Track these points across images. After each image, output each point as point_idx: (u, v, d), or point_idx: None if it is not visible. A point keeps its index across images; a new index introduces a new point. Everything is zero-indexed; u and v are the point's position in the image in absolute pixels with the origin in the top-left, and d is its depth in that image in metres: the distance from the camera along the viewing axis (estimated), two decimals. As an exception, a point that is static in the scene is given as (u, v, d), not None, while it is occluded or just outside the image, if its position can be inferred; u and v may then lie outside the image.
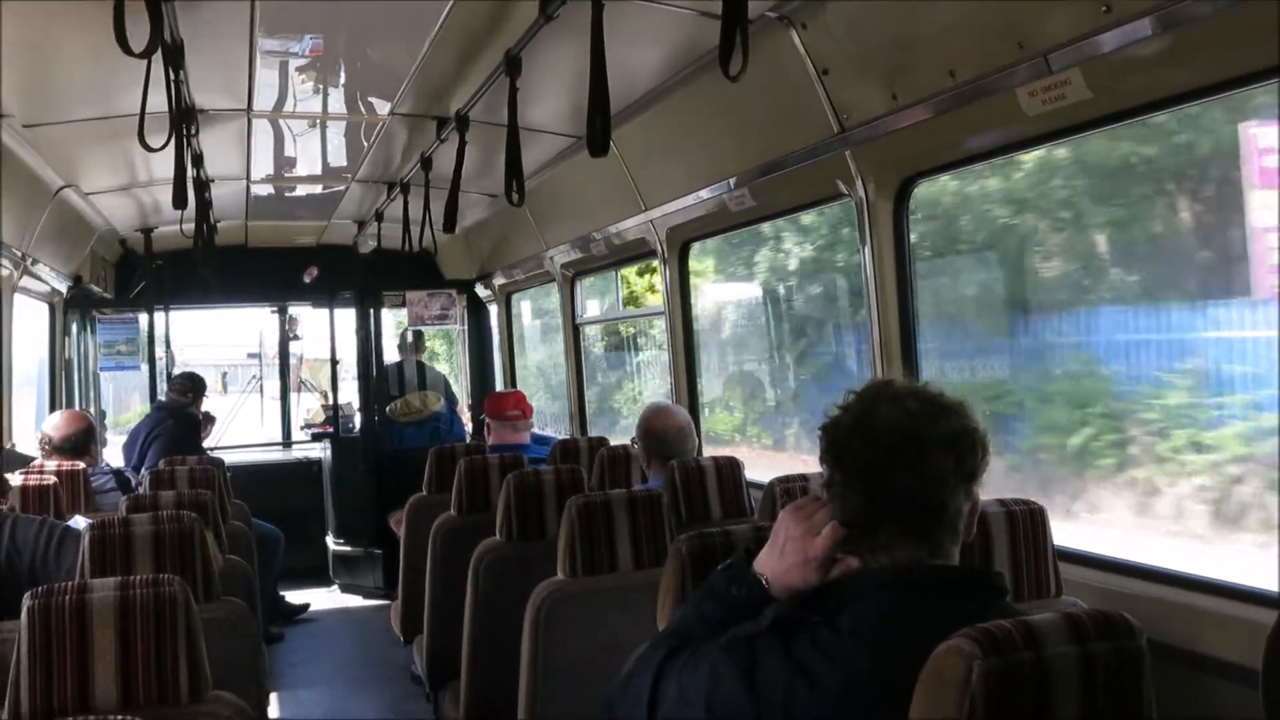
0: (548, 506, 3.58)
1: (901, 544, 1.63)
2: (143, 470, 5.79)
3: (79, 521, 3.36)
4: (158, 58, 2.94)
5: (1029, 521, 2.50)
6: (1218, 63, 2.22)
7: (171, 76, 3.29)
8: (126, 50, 2.22)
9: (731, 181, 4.10)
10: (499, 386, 8.48)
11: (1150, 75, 2.36)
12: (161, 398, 7.36)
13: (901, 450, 1.62)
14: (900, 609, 1.57)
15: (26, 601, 1.97)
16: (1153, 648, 1.49)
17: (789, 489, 3.16)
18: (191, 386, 6.99)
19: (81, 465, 4.74)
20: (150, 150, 3.00)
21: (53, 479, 4.32)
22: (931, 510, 1.63)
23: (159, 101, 3.22)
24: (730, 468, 3.78)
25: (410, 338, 8.37)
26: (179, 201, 3.66)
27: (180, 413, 6.78)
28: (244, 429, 10.00)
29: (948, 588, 1.60)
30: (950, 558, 1.65)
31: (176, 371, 7.77)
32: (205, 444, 7.07)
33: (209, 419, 7.28)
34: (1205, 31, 2.15)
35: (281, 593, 7.30)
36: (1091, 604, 2.56)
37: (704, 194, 4.35)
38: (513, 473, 3.64)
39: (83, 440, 5.09)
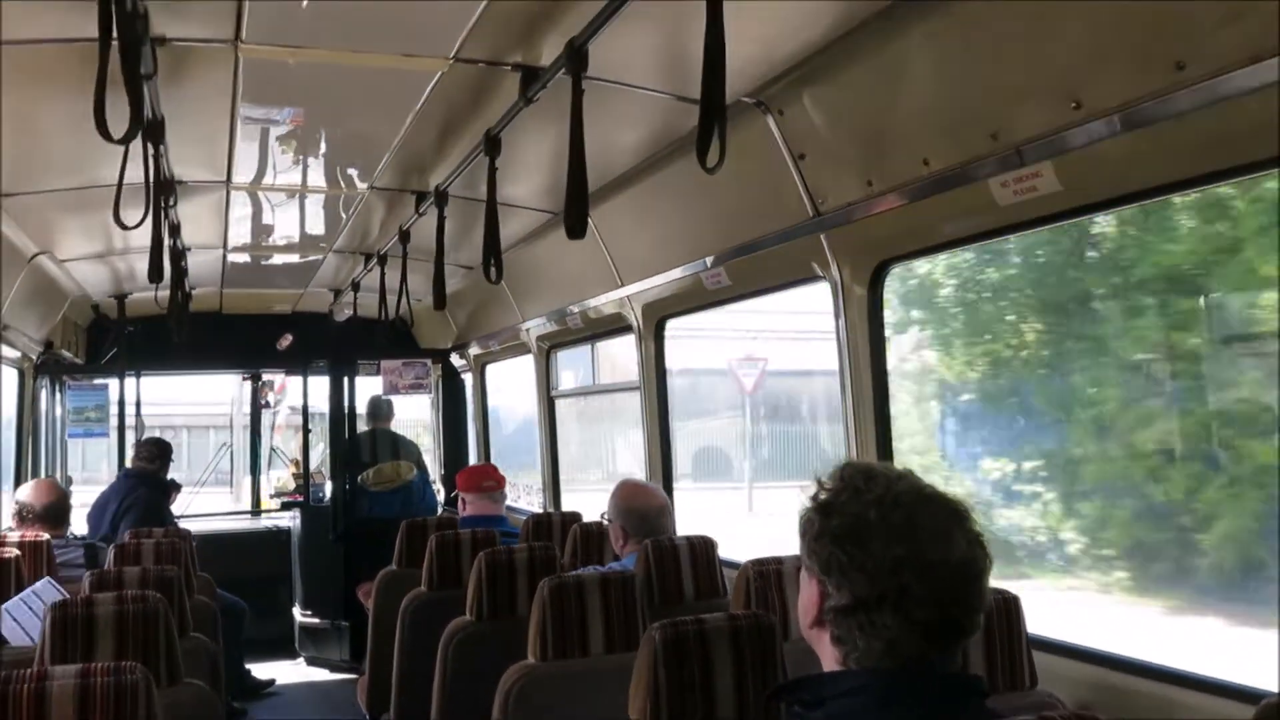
0: (519, 584, 3.56)
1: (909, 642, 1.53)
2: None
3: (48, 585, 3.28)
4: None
5: (1003, 610, 2.49)
6: (1183, 161, 2.27)
7: (151, 152, 3.31)
8: (107, 137, 2.22)
9: (708, 260, 4.13)
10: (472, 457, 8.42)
11: (1119, 170, 2.41)
12: (128, 464, 7.23)
13: (965, 587, 1.54)
14: (879, 714, 1.54)
15: None
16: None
17: (763, 571, 3.13)
18: (159, 453, 6.85)
19: (46, 536, 4.65)
20: (125, 229, 3.00)
21: (14, 551, 4.22)
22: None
23: (138, 173, 3.23)
24: (704, 547, 3.74)
25: (380, 405, 8.30)
26: (155, 275, 3.66)
27: (152, 480, 6.66)
28: (212, 498, 9.83)
29: (929, 693, 1.56)
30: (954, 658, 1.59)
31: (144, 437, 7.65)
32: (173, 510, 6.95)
33: (175, 486, 7.15)
34: (1171, 131, 2.20)
35: (247, 666, 7.14)
36: (1066, 695, 2.55)
37: (680, 272, 4.38)
38: (484, 551, 3.60)
39: (63, 509, 5.23)
